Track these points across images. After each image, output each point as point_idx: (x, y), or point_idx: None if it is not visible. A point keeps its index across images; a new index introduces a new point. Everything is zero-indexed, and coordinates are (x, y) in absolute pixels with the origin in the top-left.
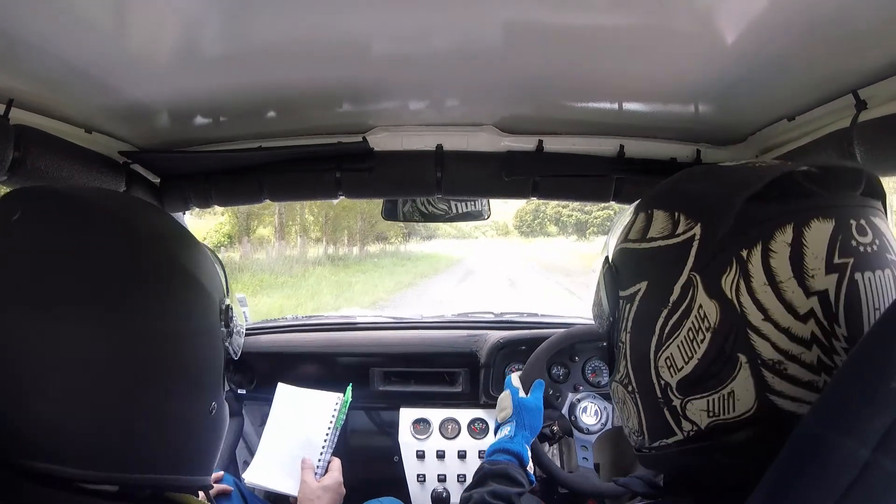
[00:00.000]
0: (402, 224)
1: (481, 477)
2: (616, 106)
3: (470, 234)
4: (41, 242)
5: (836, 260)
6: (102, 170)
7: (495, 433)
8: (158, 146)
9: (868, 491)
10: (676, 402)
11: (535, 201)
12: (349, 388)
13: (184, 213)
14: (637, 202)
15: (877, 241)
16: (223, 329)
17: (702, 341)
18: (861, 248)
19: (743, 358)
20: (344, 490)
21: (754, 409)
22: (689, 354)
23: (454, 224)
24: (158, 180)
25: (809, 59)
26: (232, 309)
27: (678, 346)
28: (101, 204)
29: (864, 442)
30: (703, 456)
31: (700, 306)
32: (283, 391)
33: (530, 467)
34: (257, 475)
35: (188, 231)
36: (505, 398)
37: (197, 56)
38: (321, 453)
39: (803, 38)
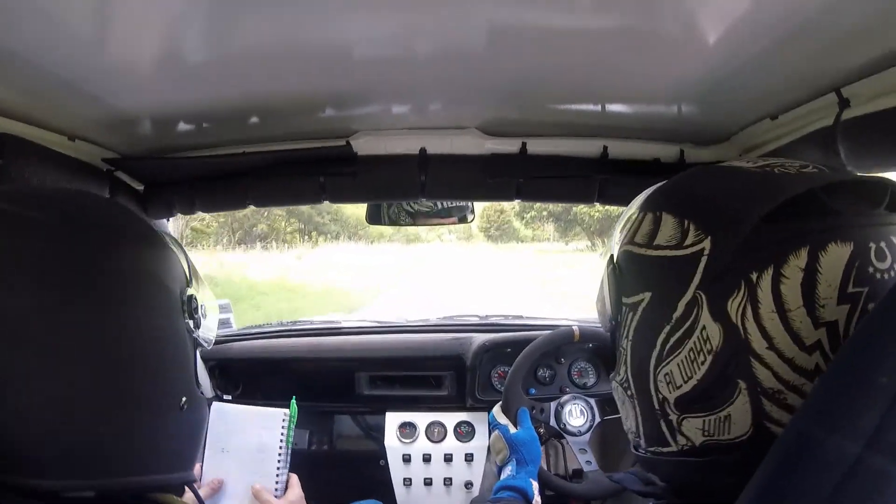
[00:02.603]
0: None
1: None
2: (599, 107)
3: (422, 237)
4: None
5: (851, 289)
6: (86, 177)
7: (498, 475)
8: (142, 153)
9: (858, 488)
10: (673, 417)
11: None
12: (293, 402)
13: (168, 220)
14: (646, 197)
15: (895, 266)
16: (188, 321)
17: (702, 363)
18: (878, 276)
19: (743, 384)
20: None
21: (749, 434)
22: (689, 374)
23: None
24: (142, 187)
25: (792, 57)
26: (196, 299)
27: (678, 364)
28: (46, 202)
29: (853, 439)
30: (697, 472)
31: (703, 327)
32: (220, 410)
33: (536, 501)
34: None
35: (143, 222)
36: (497, 440)
37: (179, 64)
38: (277, 474)
39: (785, 37)
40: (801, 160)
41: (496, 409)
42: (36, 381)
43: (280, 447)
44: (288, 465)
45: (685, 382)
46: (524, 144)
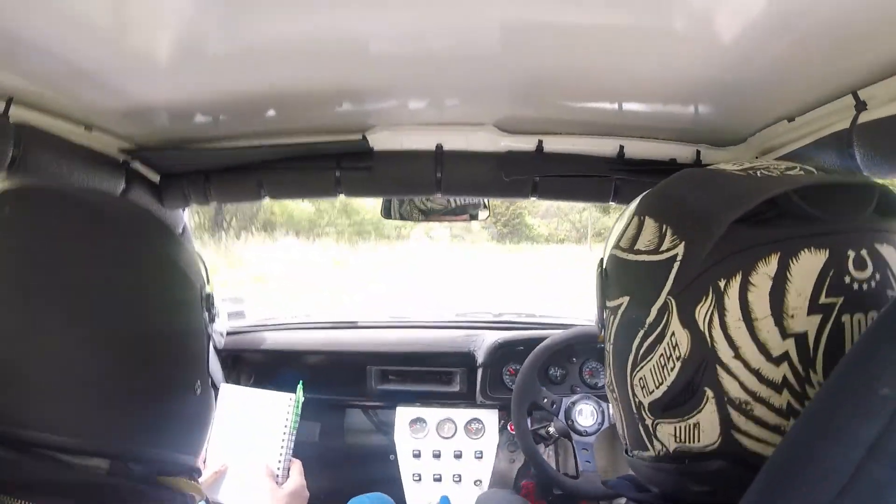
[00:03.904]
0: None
1: None
2: (616, 106)
3: (404, 233)
4: (24, 237)
5: (823, 300)
6: (102, 167)
7: None
8: (158, 144)
9: (858, 498)
10: (648, 422)
11: None
12: (300, 386)
13: (183, 210)
14: (637, 201)
15: (877, 276)
16: (205, 314)
17: (671, 369)
18: (855, 286)
19: (710, 392)
20: (307, 493)
21: (718, 444)
22: (660, 380)
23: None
24: (158, 178)
25: (809, 59)
26: (213, 297)
27: (650, 369)
28: (85, 199)
29: (853, 449)
30: (674, 477)
31: (673, 333)
32: (229, 392)
33: None
34: (218, 490)
35: (170, 226)
36: None
37: (197, 54)
38: (280, 458)
39: (803, 38)
40: (817, 163)
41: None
42: (61, 354)
43: (284, 431)
44: (291, 451)
45: (657, 388)
46: (540, 142)
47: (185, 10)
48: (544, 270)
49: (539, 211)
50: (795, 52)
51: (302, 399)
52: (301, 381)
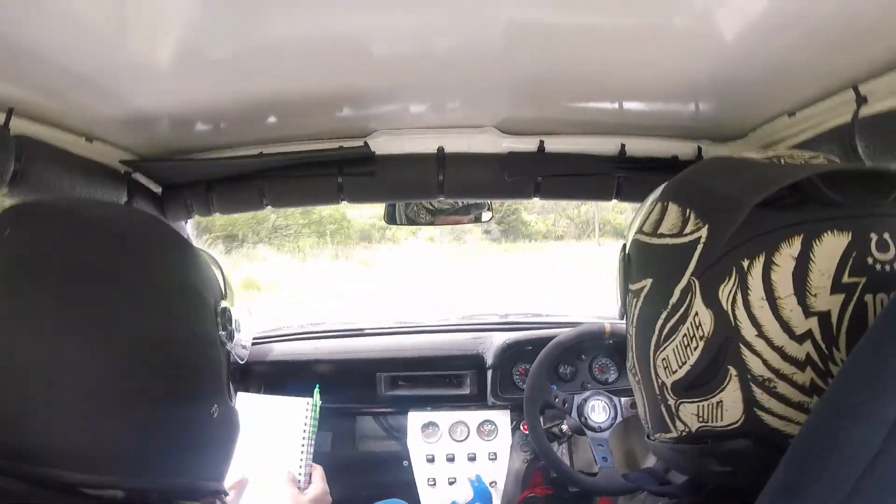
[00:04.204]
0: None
1: None
2: (616, 105)
3: (389, 235)
4: (30, 256)
5: (846, 279)
6: (104, 179)
7: None
8: (159, 154)
9: (879, 478)
10: (671, 402)
11: None
12: (317, 390)
13: (185, 222)
14: (659, 189)
15: None
16: (221, 332)
17: (695, 349)
18: (878, 267)
19: (733, 371)
20: (330, 499)
21: (741, 422)
22: (683, 360)
23: None
24: (160, 189)
25: (809, 54)
26: (230, 311)
27: (673, 349)
28: (88, 214)
29: (876, 429)
30: (696, 458)
31: (696, 313)
32: (246, 401)
33: None
34: (241, 501)
35: (180, 236)
36: (463, 484)
37: (197, 62)
38: (301, 463)
39: (803, 33)
40: None
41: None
42: (68, 378)
43: (303, 436)
44: (311, 455)
45: (680, 367)
46: (542, 143)
47: (185, 18)
48: (544, 268)
49: (535, 207)
50: (796, 48)
51: (319, 403)
52: (317, 385)
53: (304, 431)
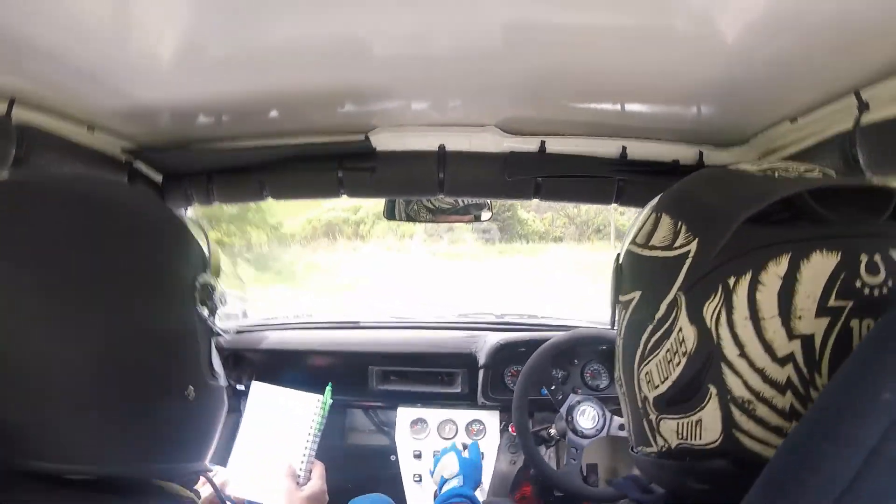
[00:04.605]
0: None
1: None
2: (618, 107)
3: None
4: None
5: (832, 302)
6: (105, 168)
7: (440, 489)
8: (161, 144)
9: (859, 499)
10: (652, 417)
11: None
12: (329, 388)
13: (185, 210)
14: (656, 199)
15: (889, 282)
16: (200, 307)
17: (677, 365)
18: (866, 291)
19: (713, 390)
20: (327, 498)
21: (720, 442)
22: (665, 375)
23: None
24: (160, 178)
25: (811, 59)
26: (212, 285)
27: (657, 364)
28: (53, 189)
29: (854, 454)
30: (674, 474)
31: (680, 329)
32: (259, 390)
33: None
34: (240, 486)
35: (160, 206)
36: (448, 459)
37: (200, 54)
38: (303, 459)
39: (805, 38)
40: (821, 164)
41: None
42: (34, 367)
43: (309, 432)
44: (314, 452)
45: (662, 383)
46: (543, 143)
47: (188, 13)
48: (543, 274)
49: (531, 204)
50: (798, 53)
51: (330, 401)
52: (330, 384)
53: (312, 427)
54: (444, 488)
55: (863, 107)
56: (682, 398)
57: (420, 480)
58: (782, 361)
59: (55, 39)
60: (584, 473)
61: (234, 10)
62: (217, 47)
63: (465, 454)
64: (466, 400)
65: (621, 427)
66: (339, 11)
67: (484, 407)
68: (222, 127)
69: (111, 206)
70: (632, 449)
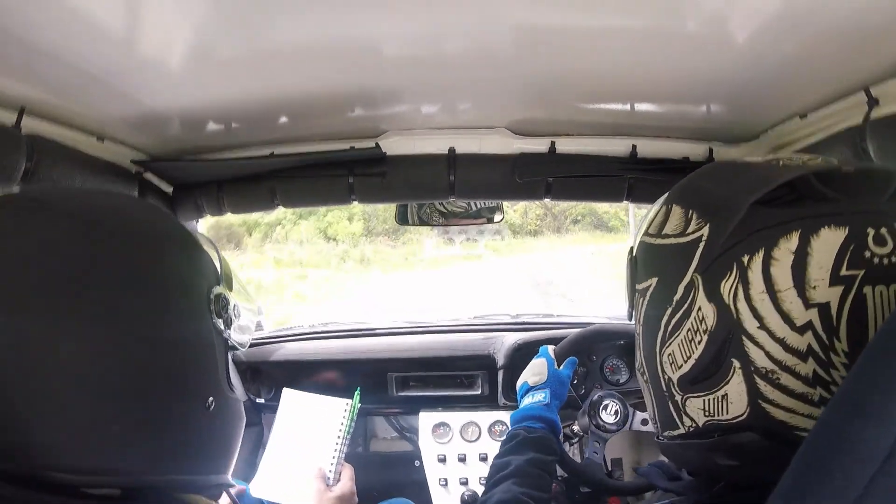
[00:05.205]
0: None
1: (520, 443)
2: (628, 106)
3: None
4: (5, 250)
5: (844, 272)
6: (115, 179)
7: (521, 395)
8: (170, 154)
9: (891, 480)
10: (678, 398)
11: None
12: (357, 393)
13: (196, 221)
14: (666, 195)
15: None
16: (216, 320)
17: (699, 343)
18: (875, 260)
19: (736, 363)
20: (357, 499)
21: (746, 415)
22: (688, 354)
23: None
24: (171, 189)
25: (821, 56)
26: (226, 298)
27: (678, 344)
28: (66, 204)
29: (886, 431)
30: (703, 453)
31: (699, 308)
32: (290, 397)
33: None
34: (264, 488)
35: (172, 220)
36: (540, 364)
37: (209, 62)
38: (332, 461)
39: (814, 35)
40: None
41: (550, 347)
42: (56, 379)
43: (339, 435)
44: (344, 454)
45: (685, 362)
46: (553, 144)
47: (197, 18)
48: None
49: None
50: (807, 50)
51: (359, 405)
52: (359, 388)
53: (340, 431)
54: (526, 399)
55: (872, 102)
56: (706, 375)
57: (446, 485)
58: (801, 330)
59: (64, 47)
60: (609, 468)
61: (242, 17)
62: (225, 53)
63: (558, 367)
64: (487, 402)
65: (644, 422)
66: (349, 15)
67: (505, 407)
68: (231, 134)
69: (125, 222)
70: (658, 438)
